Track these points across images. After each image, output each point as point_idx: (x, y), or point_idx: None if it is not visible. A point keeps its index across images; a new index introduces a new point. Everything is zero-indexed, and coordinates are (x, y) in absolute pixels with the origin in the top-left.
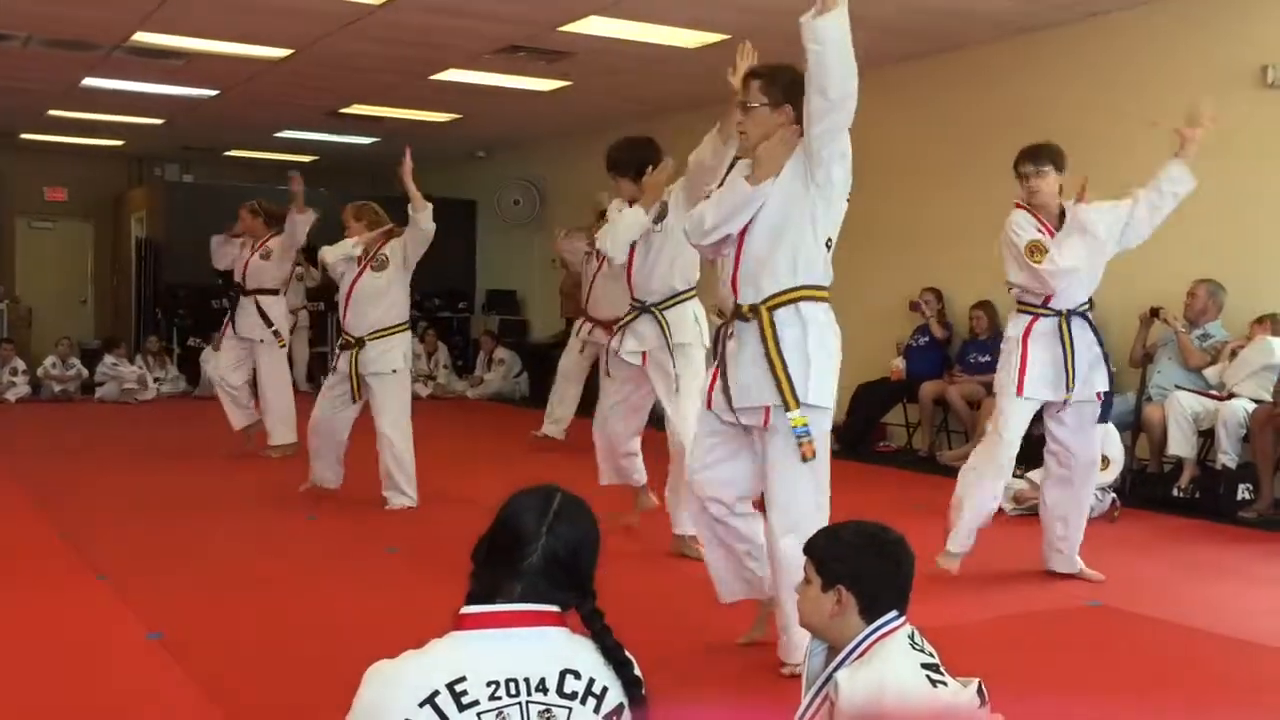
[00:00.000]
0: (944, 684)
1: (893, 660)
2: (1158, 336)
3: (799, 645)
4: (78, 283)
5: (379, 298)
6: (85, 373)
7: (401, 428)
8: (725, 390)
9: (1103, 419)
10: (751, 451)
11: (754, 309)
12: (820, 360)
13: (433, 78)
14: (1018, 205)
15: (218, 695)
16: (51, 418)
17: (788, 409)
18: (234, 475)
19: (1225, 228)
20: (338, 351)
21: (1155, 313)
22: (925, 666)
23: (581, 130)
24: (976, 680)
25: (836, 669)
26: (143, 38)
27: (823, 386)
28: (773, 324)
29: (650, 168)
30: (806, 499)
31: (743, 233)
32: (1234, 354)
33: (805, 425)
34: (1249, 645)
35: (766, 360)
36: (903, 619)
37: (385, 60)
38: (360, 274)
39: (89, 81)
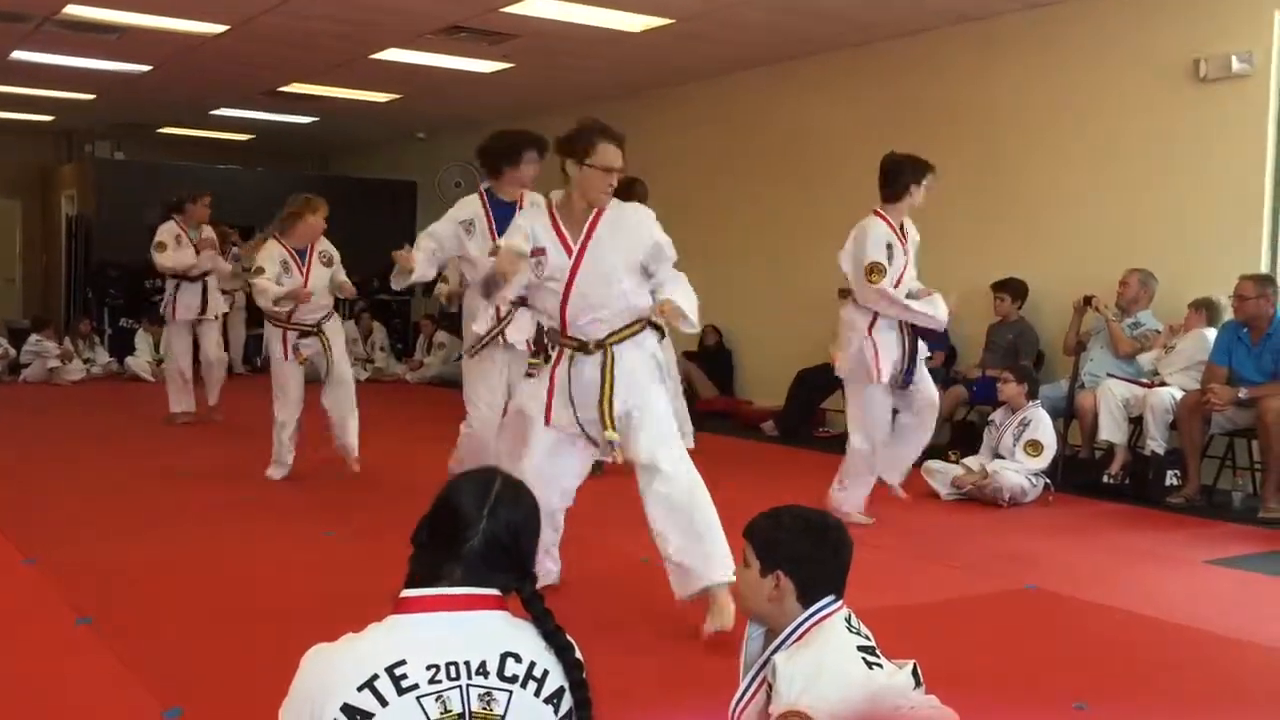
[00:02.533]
0: (879, 666)
1: (830, 643)
2: (1090, 325)
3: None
4: (5, 261)
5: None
6: (13, 353)
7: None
8: None
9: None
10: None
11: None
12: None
13: (373, 57)
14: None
15: (149, 680)
16: None
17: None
18: (164, 458)
19: (1158, 218)
20: None
21: (1088, 301)
22: (861, 649)
23: (524, 113)
24: (911, 662)
25: (774, 652)
26: (75, 10)
27: None
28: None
29: (505, 164)
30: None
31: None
32: (1168, 345)
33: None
34: (1176, 626)
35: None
36: (840, 602)
37: (324, 38)
38: None
39: (18, 55)
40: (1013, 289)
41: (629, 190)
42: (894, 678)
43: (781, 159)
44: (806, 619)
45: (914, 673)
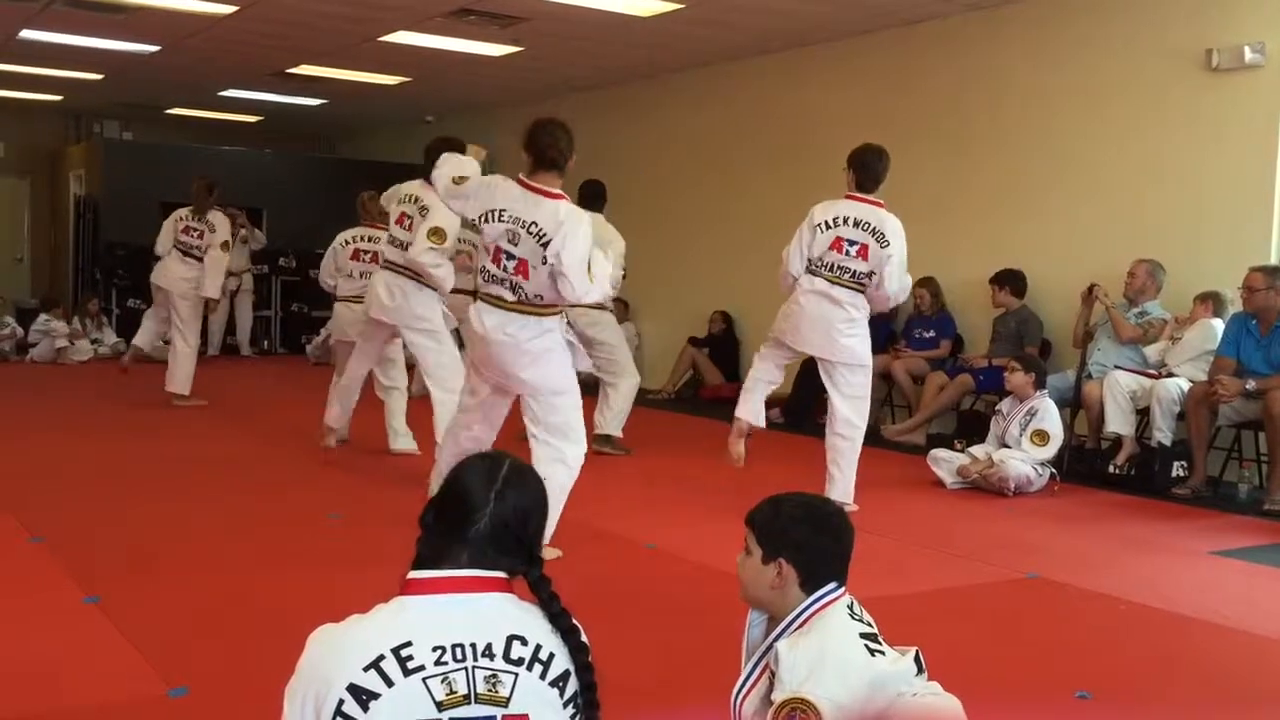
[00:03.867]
0: (882, 653)
1: (832, 630)
2: (1098, 316)
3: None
4: (13, 241)
5: None
6: (21, 332)
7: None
8: None
9: None
10: None
11: None
12: None
13: (381, 40)
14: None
15: (156, 659)
16: None
17: None
18: (170, 439)
19: (1168, 208)
20: None
21: (1091, 290)
22: (864, 636)
23: (533, 97)
24: (914, 649)
25: (776, 639)
26: None
27: None
28: None
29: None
30: None
31: None
32: (1174, 336)
33: None
34: (1179, 617)
35: None
36: (842, 589)
37: (333, 20)
38: None
39: (26, 34)
40: (1007, 280)
41: (592, 190)
42: (896, 665)
43: (790, 145)
44: (809, 606)
45: (917, 659)
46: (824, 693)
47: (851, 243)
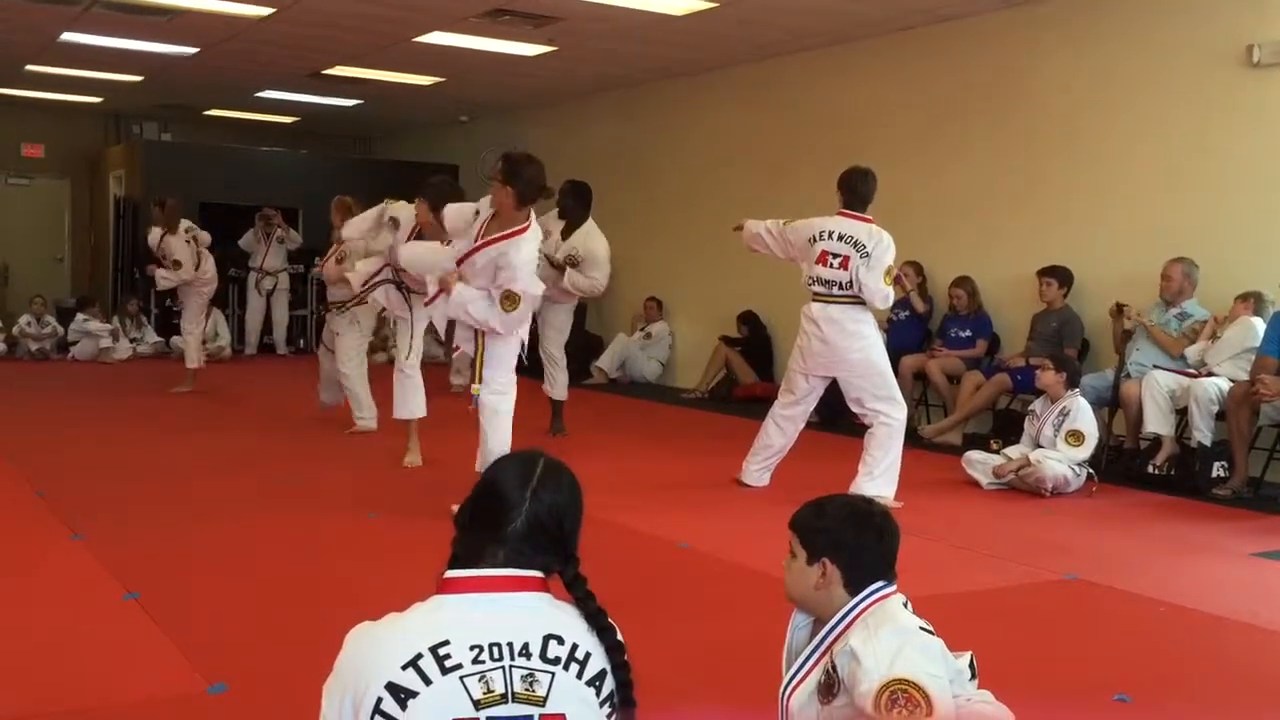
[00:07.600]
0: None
1: (900, 619)
2: (1133, 323)
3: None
4: (54, 241)
5: None
6: (61, 331)
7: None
8: None
9: None
10: None
11: None
12: None
13: (416, 40)
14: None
15: (195, 655)
16: (26, 376)
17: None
18: (208, 437)
19: (1208, 205)
20: None
21: (1120, 308)
22: (923, 630)
23: (567, 96)
24: (968, 654)
25: (828, 635)
26: None
27: None
28: None
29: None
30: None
31: None
32: (1215, 335)
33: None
34: (1220, 619)
35: None
36: (893, 587)
37: (368, 21)
38: None
39: (67, 36)
40: (1059, 275)
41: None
42: (957, 663)
43: (822, 144)
44: (863, 599)
45: (970, 665)
46: (920, 669)
47: (834, 255)
